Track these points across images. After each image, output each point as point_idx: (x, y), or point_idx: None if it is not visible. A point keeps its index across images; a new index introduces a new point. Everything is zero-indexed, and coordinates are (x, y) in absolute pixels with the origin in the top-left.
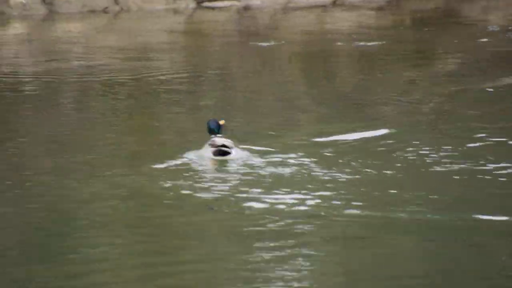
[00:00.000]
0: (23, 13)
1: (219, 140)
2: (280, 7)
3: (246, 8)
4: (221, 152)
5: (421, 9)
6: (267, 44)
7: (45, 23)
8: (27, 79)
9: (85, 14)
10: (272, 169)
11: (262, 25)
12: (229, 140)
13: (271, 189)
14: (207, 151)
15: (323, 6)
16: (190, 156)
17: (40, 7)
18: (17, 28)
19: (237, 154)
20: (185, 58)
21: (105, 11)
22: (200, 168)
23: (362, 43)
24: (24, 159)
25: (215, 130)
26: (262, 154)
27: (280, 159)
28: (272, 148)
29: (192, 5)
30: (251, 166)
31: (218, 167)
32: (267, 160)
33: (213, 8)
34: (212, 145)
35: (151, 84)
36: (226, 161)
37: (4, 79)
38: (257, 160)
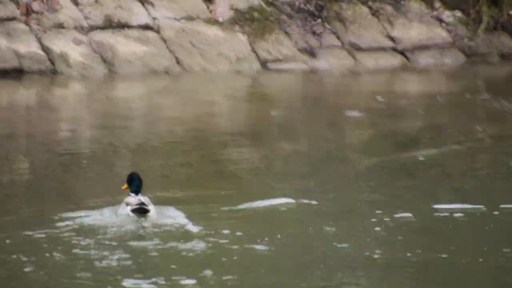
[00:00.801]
0: (82, 72)
1: (134, 198)
2: (347, 70)
3: (313, 71)
4: (140, 210)
5: (494, 74)
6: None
7: (105, 84)
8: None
9: (145, 75)
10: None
11: (331, 90)
12: (147, 199)
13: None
14: (125, 209)
15: (392, 70)
16: (106, 214)
17: (100, 67)
18: (76, 88)
19: (155, 212)
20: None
21: (166, 72)
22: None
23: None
24: None
25: (134, 186)
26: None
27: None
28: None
29: (257, 66)
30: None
31: (138, 224)
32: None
33: (278, 71)
34: (129, 203)
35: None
36: (144, 218)
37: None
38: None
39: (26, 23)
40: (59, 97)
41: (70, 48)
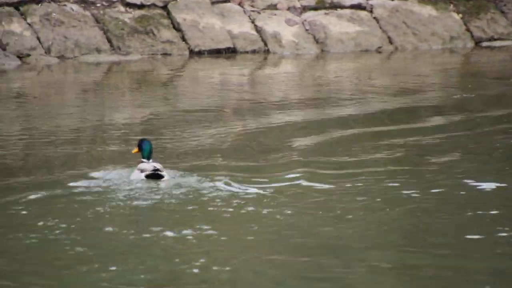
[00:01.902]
0: (294, 52)
1: (148, 164)
2: None
3: None
4: (155, 175)
5: None
6: None
7: (316, 63)
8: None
9: (357, 53)
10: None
11: None
12: (160, 165)
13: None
14: (139, 175)
15: None
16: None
17: (312, 47)
18: (288, 67)
19: (168, 177)
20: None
21: (378, 50)
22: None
23: None
24: None
25: (146, 152)
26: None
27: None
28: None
29: (470, 44)
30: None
31: (153, 189)
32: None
33: (491, 48)
34: (143, 170)
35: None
36: (159, 183)
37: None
38: (190, 181)
39: (240, 5)
40: (271, 75)
41: (282, 29)
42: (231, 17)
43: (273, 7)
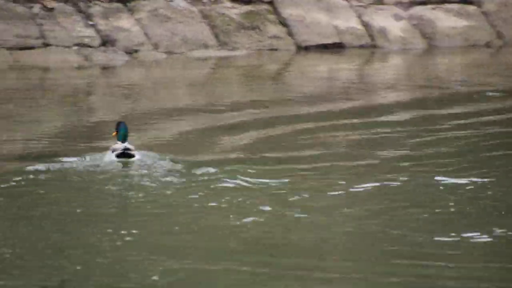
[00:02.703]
0: (402, 47)
1: (120, 145)
2: None
3: None
4: (125, 154)
5: None
6: None
7: (423, 57)
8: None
9: (466, 48)
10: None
11: None
12: (131, 146)
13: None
14: (110, 156)
15: None
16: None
17: (419, 42)
18: (395, 62)
19: (140, 156)
20: None
21: (487, 45)
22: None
23: None
24: None
25: (121, 135)
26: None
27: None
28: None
29: None
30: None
31: (123, 169)
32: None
33: None
34: (115, 150)
35: None
36: (129, 163)
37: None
38: (160, 163)
39: (347, 0)
40: (378, 70)
41: (389, 24)
42: (337, 12)
43: (380, 1)
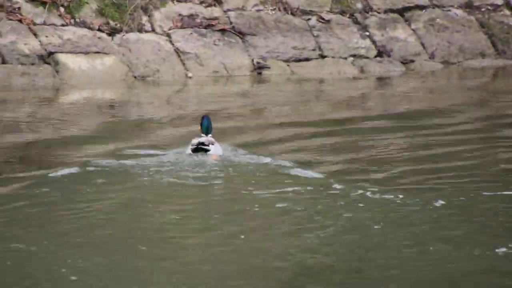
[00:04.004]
0: None
1: (197, 139)
2: None
3: None
4: (199, 149)
5: None
6: None
7: None
8: None
9: None
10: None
11: None
12: (211, 139)
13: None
14: (187, 149)
15: None
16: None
17: None
18: None
19: (216, 151)
20: None
21: None
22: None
23: None
24: None
25: (204, 128)
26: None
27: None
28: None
29: None
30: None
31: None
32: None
33: None
34: (192, 144)
35: None
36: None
37: None
38: (235, 159)
39: None
40: None
41: None
42: None
43: None
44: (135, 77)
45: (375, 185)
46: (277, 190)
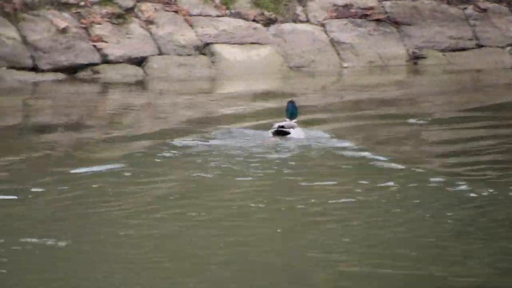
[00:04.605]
0: None
1: (278, 123)
2: None
3: None
4: (280, 132)
5: None
6: None
7: None
8: None
9: None
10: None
11: None
12: (292, 123)
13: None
14: (268, 133)
15: None
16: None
17: None
18: None
19: (297, 134)
20: None
21: None
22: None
23: None
24: None
25: (288, 113)
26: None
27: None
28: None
29: None
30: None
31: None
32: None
33: None
34: (273, 127)
35: None
36: (284, 139)
37: None
38: (315, 144)
39: None
40: None
41: None
42: None
43: None
44: (290, 67)
45: None
46: (346, 180)
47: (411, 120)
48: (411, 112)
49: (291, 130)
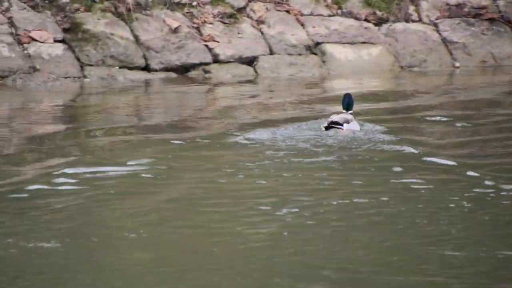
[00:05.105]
0: None
1: (333, 117)
2: None
3: None
4: (330, 127)
5: None
6: None
7: None
8: None
9: None
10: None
11: None
12: (349, 117)
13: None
14: (321, 126)
15: None
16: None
17: None
18: None
19: (352, 127)
20: None
21: None
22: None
23: None
24: None
25: (345, 104)
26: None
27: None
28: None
29: None
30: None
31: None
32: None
33: None
34: (327, 122)
35: None
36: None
37: None
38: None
39: None
40: None
41: None
42: None
43: None
44: (401, 67)
45: None
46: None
47: None
48: None
49: (344, 125)
